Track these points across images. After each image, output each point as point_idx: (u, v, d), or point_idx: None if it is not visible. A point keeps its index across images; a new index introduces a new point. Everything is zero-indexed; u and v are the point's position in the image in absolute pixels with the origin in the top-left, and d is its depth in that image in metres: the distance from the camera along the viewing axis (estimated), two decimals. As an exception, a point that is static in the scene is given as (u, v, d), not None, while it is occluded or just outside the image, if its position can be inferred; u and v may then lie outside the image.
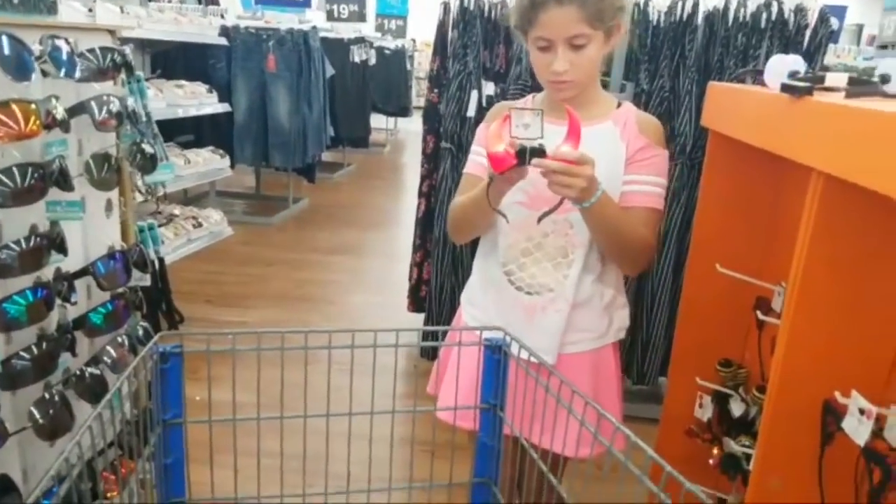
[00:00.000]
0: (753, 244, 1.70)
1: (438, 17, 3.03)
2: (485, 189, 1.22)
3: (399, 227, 5.68)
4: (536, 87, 2.86)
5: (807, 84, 1.16)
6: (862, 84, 1.19)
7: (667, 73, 2.71)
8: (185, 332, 1.02)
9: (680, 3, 2.65)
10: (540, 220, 1.22)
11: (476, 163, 1.41)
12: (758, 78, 1.48)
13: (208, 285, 4.08)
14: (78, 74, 1.04)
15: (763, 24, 2.61)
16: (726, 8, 2.63)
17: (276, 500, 1.04)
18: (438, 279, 3.07)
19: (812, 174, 1.13)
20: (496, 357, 1.09)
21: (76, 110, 1.06)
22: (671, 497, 0.74)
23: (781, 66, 1.33)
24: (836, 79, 1.24)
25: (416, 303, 3.37)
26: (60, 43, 0.99)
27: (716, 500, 1.72)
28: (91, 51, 1.07)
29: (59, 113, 1.00)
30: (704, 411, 1.75)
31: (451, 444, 1.30)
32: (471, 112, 2.76)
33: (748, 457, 1.51)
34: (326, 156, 7.26)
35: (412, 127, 11.00)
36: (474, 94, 2.74)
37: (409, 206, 5.56)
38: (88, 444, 0.82)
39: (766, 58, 2.72)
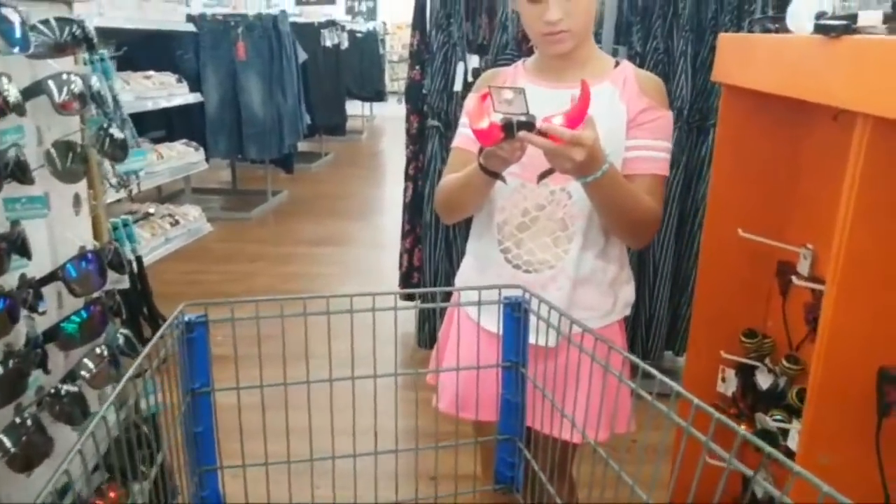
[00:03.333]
0: (772, 205, 1.60)
1: (418, -11, 2.90)
2: (477, 165, 1.16)
3: (384, 216, 5.55)
4: (525, 56, 2.75)
5: (844, 22, 1.05)
6: (902, 20, 1.09)
7: (660, 34, 2.60)
8: (208, 301, 0.98)
9: (671, -40, 2.53)
10: (539, 179, 1.14)
11: (465, 136, 1.32)
12: (774, 26, 1.38)
13: (190, 286, 3.93)
14: (32, 49, 0.90)
15: (756, -26, 2.51)
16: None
17: (307, 461, 1.04)
18: (432, 266, 2.95)
19: (857, 120, 1.03)
20: (516, 315, 1.08)
21: (32, 91, 0.93)
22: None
23: (806, 8, 1.23)
24: (870, 17, 1.13)
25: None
26: (8, 12, 0.85)
27: (741, 479, 1.63)
28: (45, 22, 0.93)
29: (13, 95, 0.86)
30: (728, 385, 1.66)
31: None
32: (457, 86, 2.63)
33: (784, 432, 1.42)
34: (303, 146, 7.09)
35: (388, 112, 10.86)
36: (461, 67, 2.62)
37: (392, 193, 5.43)
38: (79, 472, 0.71)
39: (763, 14, 2.62)
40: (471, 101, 1.33)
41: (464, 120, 1.35)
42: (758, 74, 1.38)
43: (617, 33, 2.61)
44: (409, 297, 3.23)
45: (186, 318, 0.93)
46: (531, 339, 1.08)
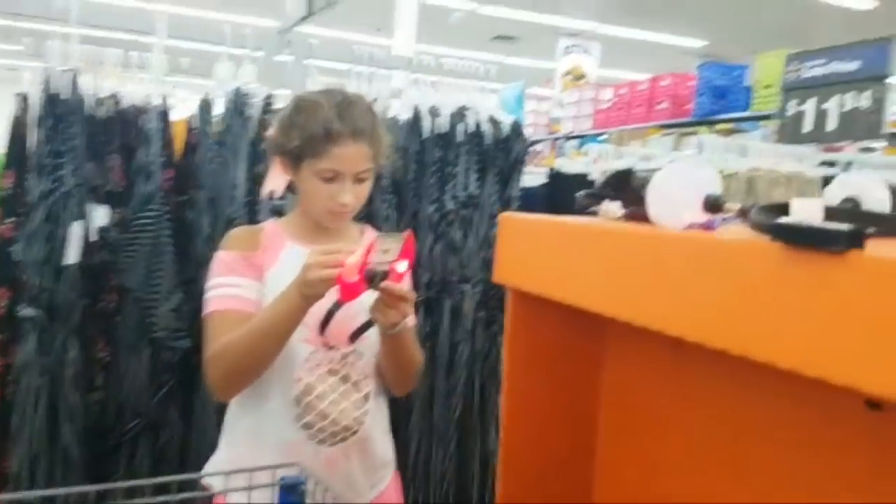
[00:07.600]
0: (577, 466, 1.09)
1: (14, 114, 1.96)
2: (292, 305, 1.14)
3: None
4: (173, 212, 2.00)
5: (854, 227, 0.58)
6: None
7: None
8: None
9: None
10: (355, 337, 1.21)
11: (233, 296, 1.25)
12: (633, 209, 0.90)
13: None
14: None
15: (461, 138, 2.19)
16: (417, 118, 2.15)
17: None
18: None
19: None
20: (294, 500, 0.97)
21: None
22: None
23: (688, 194, 0.76)
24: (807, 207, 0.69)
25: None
26: None
27: None
28: None
29: None
30: None
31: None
32: (71, 258, 1.72)
33: None
34: None
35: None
36: (76, 228, 1.73)
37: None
38: None
39: (466, 174, 2.29)
40: (230, 259, 1.28)
41: (226, 280, 1.27)
42: (594, 290, 0.87)
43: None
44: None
45: None
46: None
